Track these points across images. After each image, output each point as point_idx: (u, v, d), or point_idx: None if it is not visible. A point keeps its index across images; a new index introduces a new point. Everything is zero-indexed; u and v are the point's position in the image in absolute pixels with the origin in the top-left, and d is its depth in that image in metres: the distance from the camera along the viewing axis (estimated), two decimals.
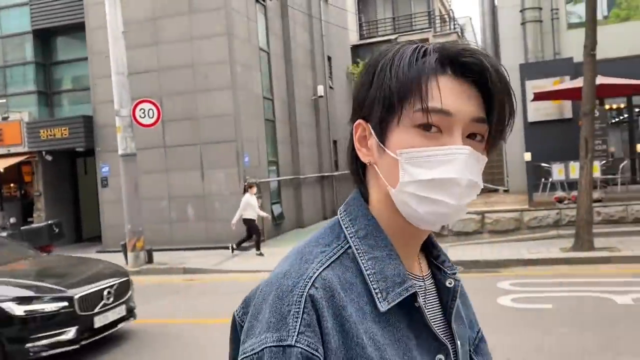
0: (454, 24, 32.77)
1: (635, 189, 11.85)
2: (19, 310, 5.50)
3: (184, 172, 13.54)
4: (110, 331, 6.23)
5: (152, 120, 11.68)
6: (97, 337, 6.00)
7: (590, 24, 9.26)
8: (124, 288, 6.58)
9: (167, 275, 10.95)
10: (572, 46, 14.49)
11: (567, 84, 12.31)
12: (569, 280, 7.91)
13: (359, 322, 0.78)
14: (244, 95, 13.59)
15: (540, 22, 14.45)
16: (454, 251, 10.04)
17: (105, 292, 6.16)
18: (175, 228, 13.77)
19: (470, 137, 0.80)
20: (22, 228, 12.16)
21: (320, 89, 19.00)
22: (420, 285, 0.89)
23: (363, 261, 0.82)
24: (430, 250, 0.95)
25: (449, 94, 0.78)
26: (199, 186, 13.47)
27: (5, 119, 15.44)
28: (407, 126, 0.79)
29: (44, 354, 5.48)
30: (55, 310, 5.63)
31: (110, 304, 6.20)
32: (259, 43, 14.89)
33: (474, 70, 0.78)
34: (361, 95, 0.84)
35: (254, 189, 12.14)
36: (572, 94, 12.11)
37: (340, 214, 0.89)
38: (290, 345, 0.74)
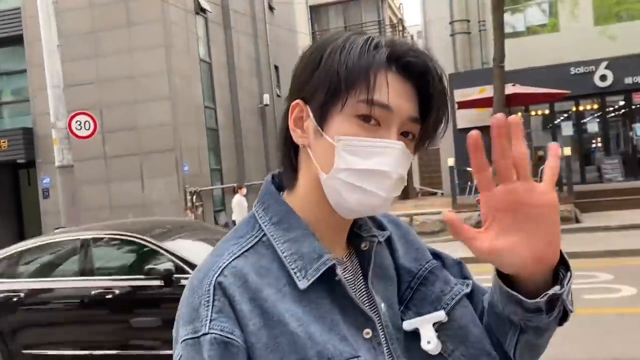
0: (404, 33, 33.68)
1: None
2: None
3: (125, 182, 13.75)
4: None
5: (89, 132, 11.86)
6: None
7: (499, 39, 9.98)
8: None
9: None
10: None
11: (486, 92, 13.08)
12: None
13: (279, 302, 0.78)
14: (183, 105, 13.90)
15: (469, 34, 15.24)
16: None
17: None
18: None
19: (402, 134, 0.82)
20: None
21: (267, 98, 19.43)
22: (345, 267, 0.89)
23: (279, 245, 0.83)
24: (355, 222, 0.92)
25: (392, 90, 0.79)
26: (139, 195, 13.70)
27: None
28: (348, 114, 0.79)
29: None
30: None
31: None
32: (200, 54, 15.22)
33: (417, 70, 0.80)
34: (304, 76, 0.83)
35: (244, 190, 12.38)
36: (489, 102, 12.89)
37: (255, 206, 0.89)
38: (204, 334, 0.75)
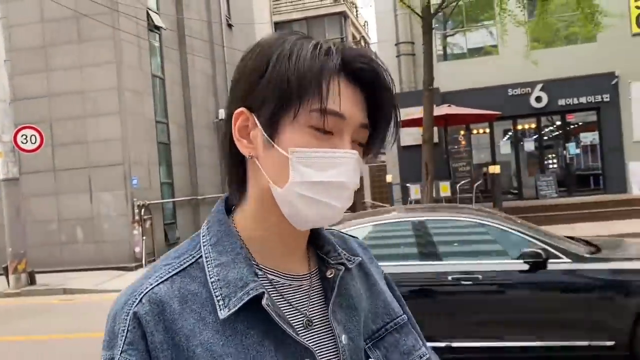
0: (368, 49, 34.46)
1: (478, 207, 13.29)
2: None
3: (74, 195, 13.89)
4: None
5: (35, 146, 12.05)
6: None
7: (428, 64, 10.58)
8: None
9: (47, 296, 11.29)
10: (443, 77, 16.07)
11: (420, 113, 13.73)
12: None
13: (193, 335, 0.76)
14: (133, 120, 14.16)
15: (413, 55, 15.91)
16: None
17: None
18: (65, 250, 14.04)
19: (353, 142, 0.80)
20: None
21: (222, 113, 19.79)
22: (299, 285, 0.85)
23: (209, 269, 0.80)
24: (317, 243, 0.91)
25: (344, 98, 0.77)
26: (87, 208, 13.85)
27: None
28: (300, 124, 0.77)
29: None
30: None
31: None
32: (152, 70, 15.52)
33: (367, 76, 0.79)
34: (248, 83, 0.80)
35: None
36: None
37: (203, 225, 0.87)
38: None
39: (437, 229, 5.23)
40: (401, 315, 0.93)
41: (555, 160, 16.48)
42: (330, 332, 0.84)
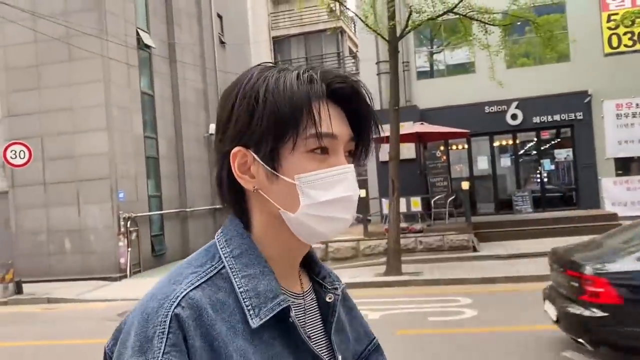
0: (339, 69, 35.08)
1: (452, 221, 13.75)
2: None
3: (62, 207, 14.46)
4: None
5: (23, 161, 12.64)
6: None
7: (394, 85, 11.08)
8: None
9: (32, 305, 11.81)
10: (422, 94, 16.59)
11: (405, 129, 14.19)
12: (369, 300, 9.41)
13: (229, 340, 0.78)
14: (121, 135, 14.74)
15: None
16: None
17: None
18: (53, 260, 14.60)
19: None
20: None
21: (213, 127, 20.31)
22: (298, 303, 0.90)
23: (237, 279, 0.83)
24: (312, 267, 0.97)
25: (333, 119, 0.83)
26: (75, 221, 14.41)
27: None
28: (300, 152, 0.82)
29: None
30: None
31: None
32: (141, 87, 16.12)
33: (345, 93, 0.85)
34: (240, 123, 0.84)
35: None
36: (408, 138, 14.00)
37: (217, 236, 0.90)
38: None
39: None
40: (375, 337, 1.03)
41: (530, 176, 16.91)
42: (326, 352, 0.90)
